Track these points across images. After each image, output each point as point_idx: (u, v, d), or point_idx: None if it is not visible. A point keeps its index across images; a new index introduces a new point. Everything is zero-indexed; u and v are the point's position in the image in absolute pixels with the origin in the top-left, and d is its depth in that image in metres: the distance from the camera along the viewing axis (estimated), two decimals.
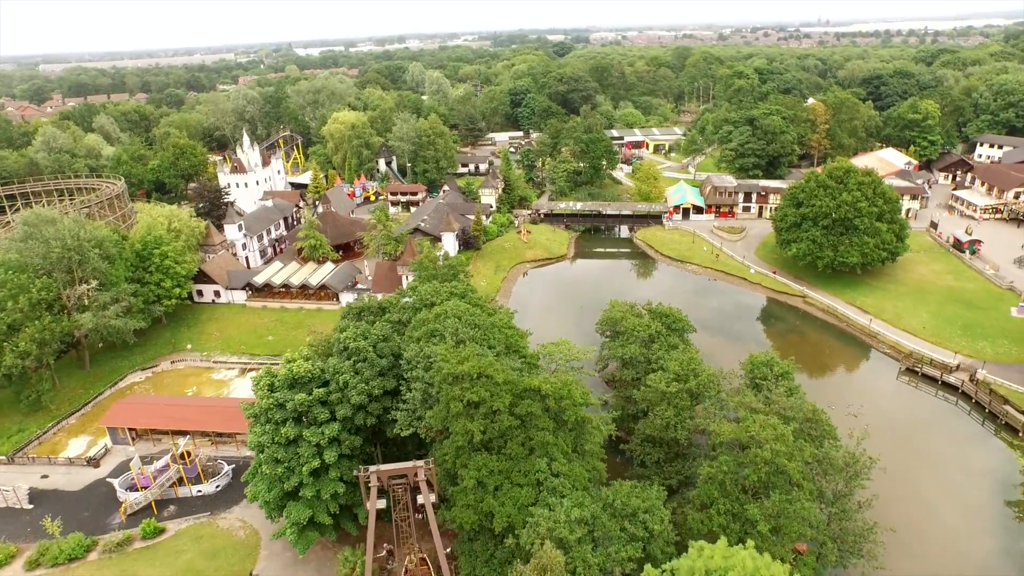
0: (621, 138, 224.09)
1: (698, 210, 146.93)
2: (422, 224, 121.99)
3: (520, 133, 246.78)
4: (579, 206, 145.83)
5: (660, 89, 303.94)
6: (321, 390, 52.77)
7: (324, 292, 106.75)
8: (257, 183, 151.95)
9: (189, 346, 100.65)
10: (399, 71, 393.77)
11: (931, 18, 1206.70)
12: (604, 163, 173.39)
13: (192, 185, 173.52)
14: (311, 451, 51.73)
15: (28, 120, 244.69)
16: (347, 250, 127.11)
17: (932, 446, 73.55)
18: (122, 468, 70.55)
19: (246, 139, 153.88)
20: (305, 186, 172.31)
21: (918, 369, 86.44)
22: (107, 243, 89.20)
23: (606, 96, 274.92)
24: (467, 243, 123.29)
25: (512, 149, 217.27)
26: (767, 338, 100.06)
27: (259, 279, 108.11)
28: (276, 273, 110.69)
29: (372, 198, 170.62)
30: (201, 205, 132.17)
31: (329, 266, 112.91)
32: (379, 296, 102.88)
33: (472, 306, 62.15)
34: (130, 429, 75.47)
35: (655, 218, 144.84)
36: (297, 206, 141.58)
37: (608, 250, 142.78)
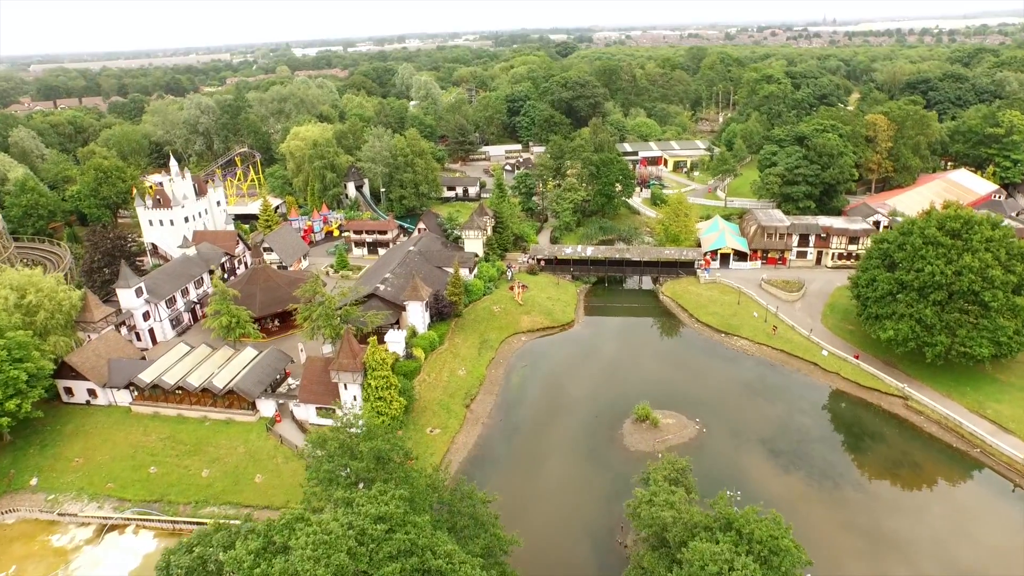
0: (635, 153, 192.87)
1: (739, 255, 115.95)
2: (380, 288, 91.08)
3: (518, 146, 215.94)
4: (589, 251, 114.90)
5: (675, 94, 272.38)
6: None
7: (236, 396, 76.02)
8: (187, 220, 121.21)
9: (34, 481, 70.24)
10: (388, 73, 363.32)
11: (939, 16, 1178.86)
12: (618, 188, 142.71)
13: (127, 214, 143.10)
14: None
15: None
16: (287, 320, 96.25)
17: None
18: None
19: (173, 163, 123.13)
20: (255, 218, 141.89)
21: None
22: None
23: (615, 103, 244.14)
24: (441, 312, 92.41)
25: (507, 167, 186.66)
26: (864, 474, 68.96)
27: (146, 375, 77.35)
28: (174, 365, 79.86)
29: (336, 232, 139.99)
30: (97, 259, 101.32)
31: (249, 352, 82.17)
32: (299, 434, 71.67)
33: None
34: None
35: (686, 266, 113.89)
36: (227, 255, 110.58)
37: (627, 307, 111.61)
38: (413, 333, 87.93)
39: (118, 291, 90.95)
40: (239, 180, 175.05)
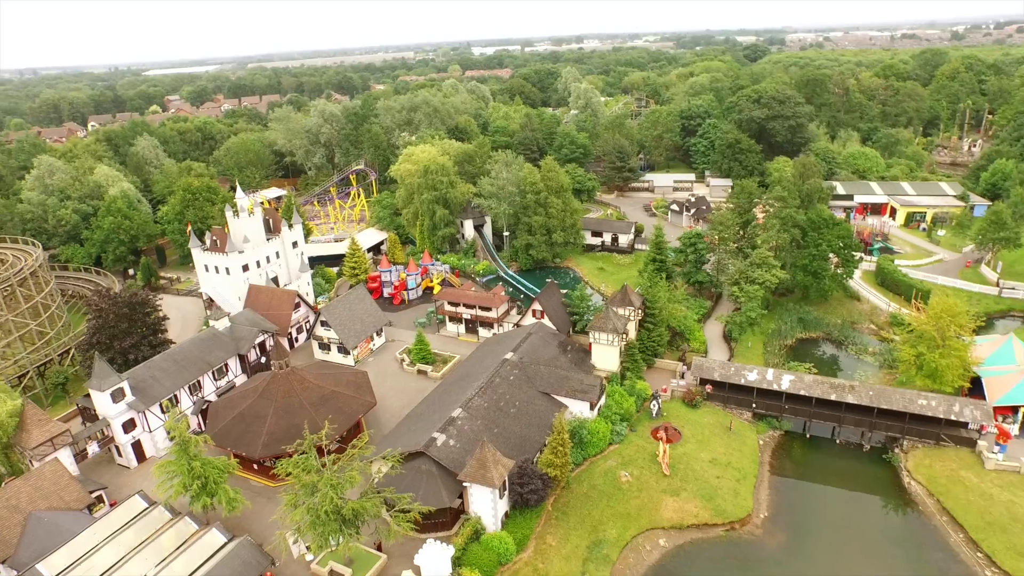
0: (849, 197, 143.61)
1: None
2: (437, 441, 56.88)
3: (691, 176, 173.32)
4: (786, 382, 72.60)
5: (901, 113, 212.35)
6: None
7: None
8: (246, 268, 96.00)
9: None
10: (551, 77, 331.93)
11: None
12: (834, 261, 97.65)
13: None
14: None
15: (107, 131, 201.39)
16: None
17: None
18: None
19: (239, 193, 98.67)
20: (341, 258, 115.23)
21: None
22: None
23: (819, 122, 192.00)
24: (525, 497, 56.10)
25: (674, 206, 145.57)
26: None
27: (49, 566, 49.63)
28: (98, 546, 51.56)
29: (436, 288, 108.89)
30: (100, 335, 76.49)
31: (213, 540, 51.89)
32: None
33: None
34: None
35: (955, 427, 67.94)
36: (264, 333, 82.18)
37: (844, 487, 67.13)
38: (474, 534, 52.94)
39: (91, 393, 65.51)
40: (351, 202, 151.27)
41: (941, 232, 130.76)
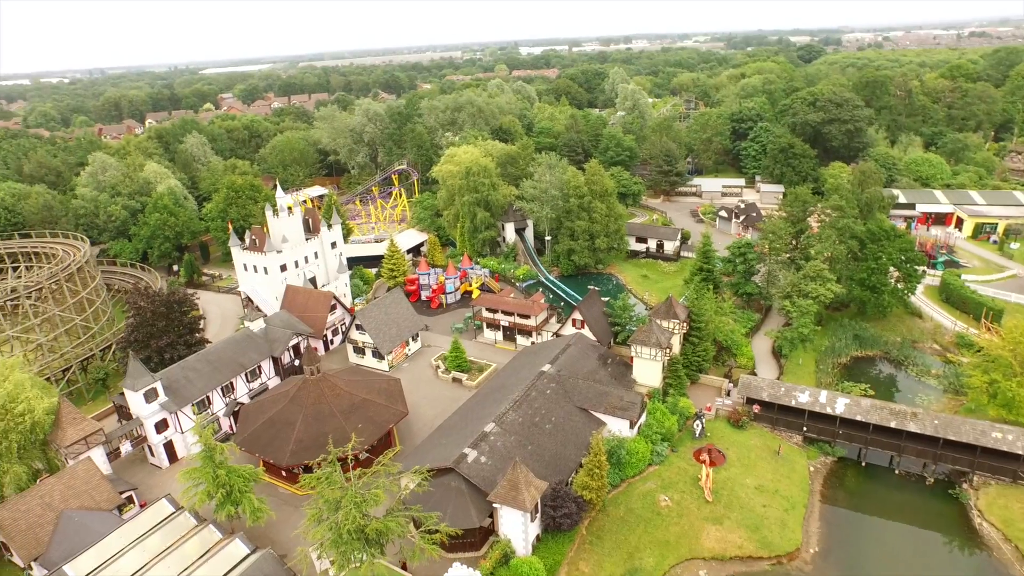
0: (911, 206, 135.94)
1: None
2: (468, 457, 54.56)
3: (741, 181, 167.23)
4: (840, 406, 67.87)
5: (971, 117, 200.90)
6: None
7: None
8: (284, 268, 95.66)
9: None
10: (599, 77, 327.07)
11: None
12: (894, 276, 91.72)
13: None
14: None
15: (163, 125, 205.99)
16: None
17: None
18: None
19: (279, 192, 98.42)
20: (380, 260, 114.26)
21: None
22: None
23: (878, 126, 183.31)
24: (558, 521, 53.24)
25: (722, 212, 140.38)
26: None
27: (75, 568, 49.17)
28: (124, 550, 50.96)
29: (475, 293, 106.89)
30: (137, 333, 76.81)
31: (235, 551, 50.75)
32: None
33: None
34: None
35: None
36: (298, 336, 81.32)
37: (902, 522, 62.42)
38: (503, 558, 50.45)
39: (125, 393, 65.49)
40: (392, 202, 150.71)
41: (1015, 245, 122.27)
